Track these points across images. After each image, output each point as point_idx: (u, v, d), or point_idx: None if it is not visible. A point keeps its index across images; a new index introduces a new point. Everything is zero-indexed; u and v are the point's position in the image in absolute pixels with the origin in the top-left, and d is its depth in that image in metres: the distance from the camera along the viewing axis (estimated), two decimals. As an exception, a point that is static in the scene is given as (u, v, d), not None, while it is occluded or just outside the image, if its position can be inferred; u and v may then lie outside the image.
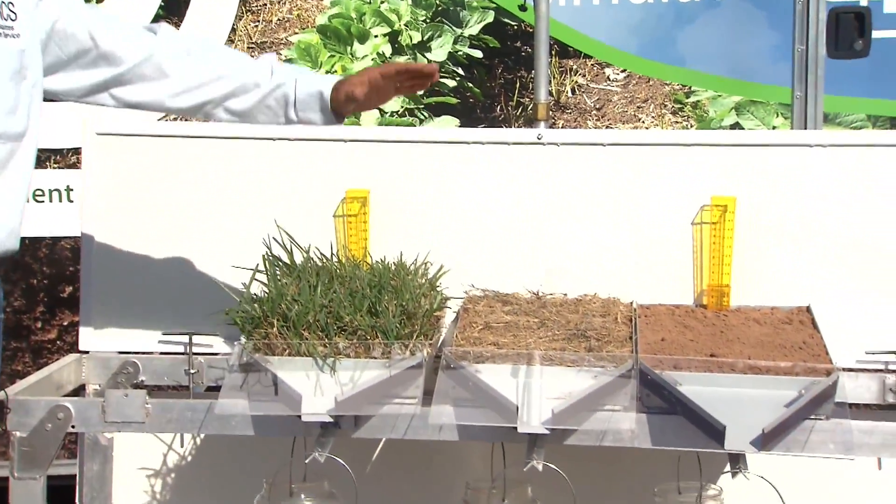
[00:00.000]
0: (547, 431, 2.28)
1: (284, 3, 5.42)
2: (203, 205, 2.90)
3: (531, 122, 3.32)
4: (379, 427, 2.41)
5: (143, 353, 2.89)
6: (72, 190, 4.24)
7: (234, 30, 4.98)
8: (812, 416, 2.27)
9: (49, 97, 2.44)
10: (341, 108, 2.48)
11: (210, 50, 2.54)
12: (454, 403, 2.36)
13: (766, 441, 2.17)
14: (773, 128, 5.06)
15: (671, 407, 2.30)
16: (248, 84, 2.47)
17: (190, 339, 2.79)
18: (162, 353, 2.88)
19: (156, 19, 4.54)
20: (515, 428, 2.27)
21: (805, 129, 3.60)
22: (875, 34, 3.85)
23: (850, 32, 3.80)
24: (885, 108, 4.22)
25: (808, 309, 2.67)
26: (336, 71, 5.56)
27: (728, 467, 2.29)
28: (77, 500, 2.91)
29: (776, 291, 2.76)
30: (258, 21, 5.24)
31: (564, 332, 2.50)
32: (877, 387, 2.68)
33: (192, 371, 2.80)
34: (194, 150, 2.91)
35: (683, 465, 2.61)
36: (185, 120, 5.72)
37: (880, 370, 2.68)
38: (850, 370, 2.68)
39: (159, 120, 3.93)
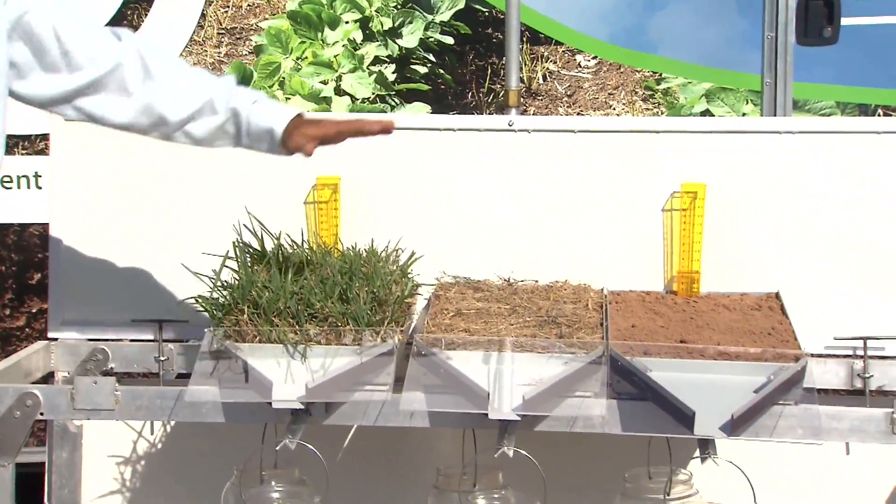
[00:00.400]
0: (518, 418, 2.28)
1: (255, -11, 5.40)
2: (173, 191, 2.89)
3: (502, 108, 3.32)
4: (350, 414, 2.40)
5: (113, 340, 2.88)
6: (40, 176, 4.20)
7: (203, 15, 4.95)
8: (781, 402, 2.28)
9: (13, 96, 2.37)
10: (288, 149, 2.41)
11: (171, 68, 2.45)
12: (425, 390, 2.36)
13: (735, 426, 2.19)
14: (743, 115, 5.08)
15: (641, 393, 2.31)
16: (206, 109, 2.40)
17: (160, 326, 2.78)
18: (131, 341, 2.87)
19: (124, 4, 4.51)
20: (486, 414, 2.28)
21: (775, 115, 3.61)
22: (844, 21, 3.87)
23: (819, 20, 3.82)
24: (854, 95, 4.25)
25: (778, 295, 2.68)
26: (306, 58, 5.54)
27: (698, 453, 2.30)
28: (46, 488, 2.89)
29: (746, 278, 2.78)
30: (228, 6, 5.22)
31: (535, 319, 2.51)
32: (845, 372, 2.70)
33: (162, 358, 2.79)
34: (164, 136, 2.89)
35: (654, 450, 2.62)
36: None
37: (848, 356, 2.70)
38: (819, 356, 2.70)
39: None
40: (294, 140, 2.37)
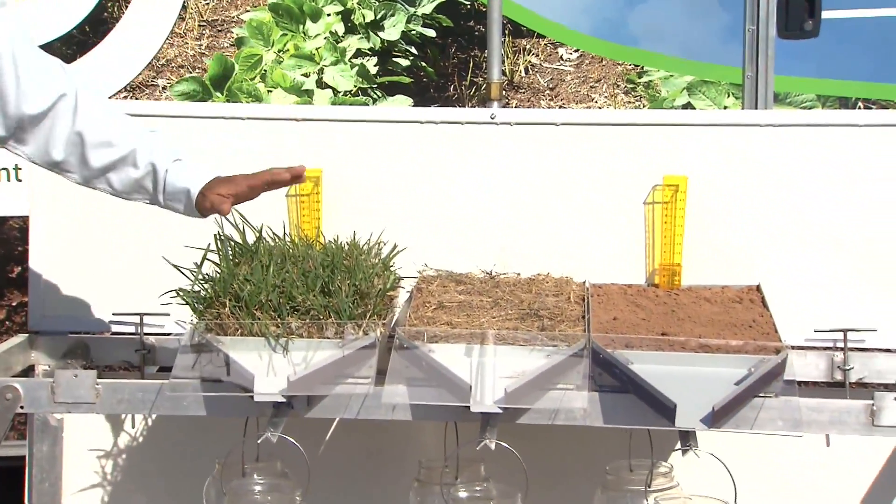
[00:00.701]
0: (500, 410, 2.28)
1: (236, -19, 5.39)
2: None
3: (484, 101, 3.31)
4: (332, 407, 2.40)
5: (94, 333, 2.87)
6: (20, 169, 4.19)
7: (184, 7, 4.94)
8: (761, 394, 2.29)
9: None
10: (204, 211, 2.42)
11: (101, 111, 2.44)
12: (407, 383, 2.36)
13: (716, 419, 2.19)
14: (725, 107, 5.10)
15: (623, 385, 2.31)
16: (128, 159, 2.40)
17: (141, 319, 2.77)
18: (113, 334, 2.86)
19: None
20: (468, 407, 2.28)
21: (756, 108, 3.62)
22: (825, 14, 3.88)
23: (800, 13, 3.83)
24: (834, 88, 4.26)
25: (759, 288, 2.69)
26: (288, 50, 5.52)
27: (679, 445, 2.31)
28: (27, 482, 2.89)
29: (727, 270, 2.78)
30: (209, -2, 5.20)
31: (517, 312, 2.51)
32: (825, 364, 2.71)
33: (143, 351, 2.78)
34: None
35: (635, 443, 2.62)
36: (135, 97, 5.67)
37: (829, 348, 2.72)
38: (799, 348, 2.71)
39: (110, 97, 3.89)
40: (208, 200, 2.38)
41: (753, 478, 2.76)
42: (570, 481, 2.85)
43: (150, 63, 4.55)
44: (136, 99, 5.68)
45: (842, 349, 2.67)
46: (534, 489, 2.42)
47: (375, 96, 5.57)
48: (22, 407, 2.44)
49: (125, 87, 4.42)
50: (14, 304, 4.35)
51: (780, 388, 2.30)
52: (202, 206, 2.40)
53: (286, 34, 5.54)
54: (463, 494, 2.48)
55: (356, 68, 5.53)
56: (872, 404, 2.32)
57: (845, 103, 5.13)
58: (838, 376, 2.70)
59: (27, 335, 2.86)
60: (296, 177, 2.44)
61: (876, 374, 2.70)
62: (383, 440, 2.90)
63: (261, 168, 2.69)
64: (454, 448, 2.55)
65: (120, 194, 2.45)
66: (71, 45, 5.21)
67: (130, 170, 2.41)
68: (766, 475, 2.82)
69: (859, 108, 5.17)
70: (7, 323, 4.37)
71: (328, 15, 5.54)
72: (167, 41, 4.89)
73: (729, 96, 5.12)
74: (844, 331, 2.67)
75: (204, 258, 2.58)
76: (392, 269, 2.68)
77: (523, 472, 2.35)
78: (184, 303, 2.50)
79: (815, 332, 2.71)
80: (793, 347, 2.52)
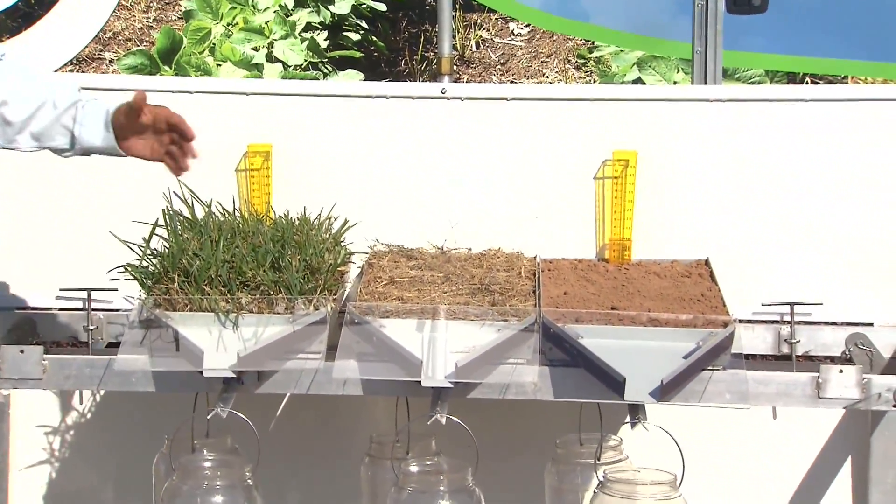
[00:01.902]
0: (451, 385, 2.29)
1: (184, -47, 5.32)
2: (101, 158, 2.84)
3: (435, 76, 3.31)
4: (282, 382, 2.40)
5: (40, 309, 2.84)
6: (-36, 143, 4.12)
7: (132, -21, 4.87)
8: (709, 368, 2.31)
9: None
10: (121, 122, 2.37)
11: (18, 72, 2.42)
12: (358, 358, 2.36)
13: (664, 392, 2.21)
14: (674, 83, 5.12)
15: (573, 360, 2.33)
16: (46, 104, 2.37)
17: (88, 294, 2.75)
18: (60, 310, 2.83)
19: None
20: (419, 382, 2.28)
21: (705, 84, 3.64)
22: (773, -10, 3.90)
23: (749, -12, 3.85)
24: (783, 63, 4.29)
25: (707, 262, 2.72)
26: (237, 24, 5.48)
27: (628, 418, 2.33)
28: (-27, 460, 2.86)
29: (676, 245, 2.80)
30: (157, -30, 5.15)
31: (469, 287, 2.51)
32: (772, 338, 2.74)
33: (90, 327, 2.75)
34: (91, 102, 2.85)
35: (585, 416, 2.64)
36: (81, 70, 5.60)
37: (775, 321, 2.74)
38: (747, 322, 2.74)
39: (56, 70, 3.84)
40: (121, 108, 2.33)
41: (701, 450, 2.80)
42: (520, 455, 2.86)
43: (96, 36, 4.48)
44: (83, 72, 5.61)
45: (788, 323, 2.70)
46: (484, 463, 2.43)
47: (326, 71, 5.54)
48: (-33, 384, 2.42)
49: (71, 61, 4.35)
50: (-41, 279, 4.29)
51: (728, 361, 2.33)
52: (118, 112, 2.35)
53: (235, 7, 5.49)
54: (414, 469, 2.49)
55: (306, 42, 5.49)
56: (818, 377, 2.35)
57: (793, 78, 5.17)
58: (785, 349, 2.73)
59: (-28, 311, 2.83)
60: (189, 139, 2.39)
61: (822, 348, 2.74)
62: (334, 416, 2.90)
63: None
64: (405, 423, 2.55)
65: (39, 138, 2.39)
66: (16, 18, 5.14)
67: (50, 110, 2.37)
68: (713, 448, 2.86)
69: (807, 83, 5.22)
70: (-48, 299, 4.31)
71: (278, -12, 5.49)
72: (114, 14, 4.83)
73: (678, 71, 5.14)
74: (791, 304, 2.69)
75: (152, 233, 2.56)
76: (343, 244, 2.67)
77: (474, 446, 2.36)
78: (132, 278, 2.48)
79: (763, 305, 2.74)
80: (740, 321, 2.55)
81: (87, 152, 2.41)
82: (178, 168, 2.39)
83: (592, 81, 5.75)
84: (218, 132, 2.84)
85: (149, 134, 2.37)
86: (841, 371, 2.34)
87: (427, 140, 2.85)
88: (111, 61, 5.75)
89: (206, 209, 2.64)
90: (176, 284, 2.40)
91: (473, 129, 2.85)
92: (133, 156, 2.40)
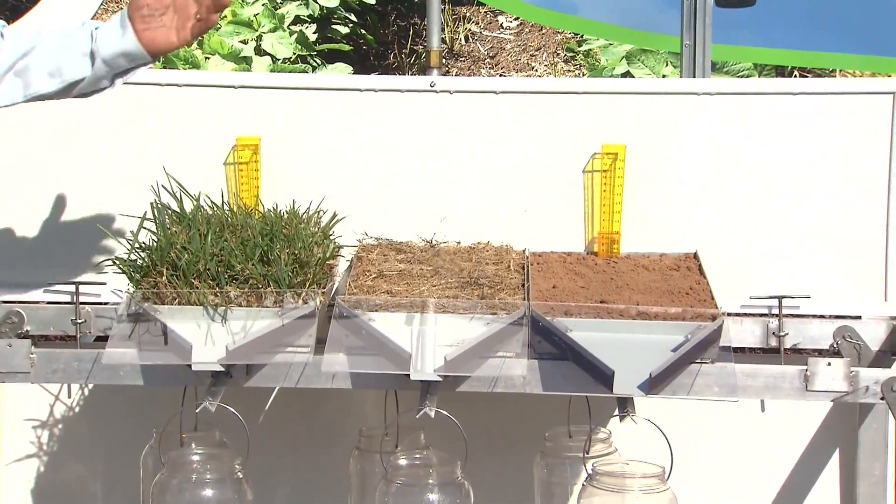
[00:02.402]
0: (440, 378, 2.29)
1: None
2: (90, 151, 2.84)
3: (424, 69, 3.30)
4: (271, 376, 2.40)
5: (28, 302, 2.83)
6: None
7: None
8: (698, 361, 2.32)
9: None
10: (135, 13, 2.23)
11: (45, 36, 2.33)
12: (347, 352, 2.36)
13: (653, 385, 2.22)
14: (663, 76, 5.13)
15: (562, 353, 2.33)
16: (56, 34, 2.28)
17: (76, 288, 2.74)
18: (48, 303, 2.83)
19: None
20: (408, 375, 2.28)
21: (694, 77, 3.64)
22: (762, -16, 3.91)
23: (737, -18, 3.85)
24: (771, 56, 4.30)
25: (696, 255, 2.72)
26: (226, 16, 5.46)
27: (617, 411, 2.33)
28: (-39, 454, 2.86)
29: (665, 238, 2.81)
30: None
31: (457, 280, 2.52)
32: (760, 331, 2.74)
33: (79, 321, 2.75)
34: (79, 95, 2.84)
35: (574, 409, 2.65)
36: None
37: (764, 314, 2.75)
38: (735, 315, 2.74)
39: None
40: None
41: (689, 443, 2.80)
42: (509, 448, 2.87)
43: (84, 28, 4.47)
44: (71, 65, 5.59)
45: (777, 316, 2.70)
46: (473, 457, 2.43)
47: (315, 64, 5.53)
48: (-45, 377, 2.41)
49: (59, 53, 4.34)
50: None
51: (716, 354, 2.33)
52: (134, 16, 2.21)
53: (224, -2, 5.47)
54: (403, 462, 2.49)
55: (295, 35, 5.49)
56: (806, 370, 2.35)
57: (781, 72, 5.18)
58: (773, 342, 2.73)
59: (-40, 305, 2.82)
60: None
61: (810, 341, 2.74)
62: (323, 409, 2.90)
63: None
64: (394, 416, 2.55)
65: (61, 75, 2.28)
66: (3, 10, 5.12)
67: (63, 39, 2.26)
68: (702, 441, 2.86)
69: (795, 76, 5.23)
70: (-61, 293, 4.30)
71: (266, -19, 5.48)
72: (102, 6, 4.82)
73: (667, 65, 5.15)
74: (779, 297, 2.70)
75: (140, 226, 2.56)
76: (332, 237, 2.67)
77: (463, 439, 2.36)
78: (120, 271, 2.48)
79: (751, 298, 2.75)
80: (729, 314, 2.55)
81: (109, 73, 2.28)
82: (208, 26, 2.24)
83: (581, 75, 5.76)
84: (206, 125, 2.84)
85: (169, 15, 2.23)
86: (829, 364, 2.35)
87: (416, 133, 2.85)
88: (99, 54, 5.73)
89: (195, 202, 2.64)
90: (164, 278, 2.40)
91: (462, 123, 2.85)
92: (160, 52, 2.26)
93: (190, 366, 2.31)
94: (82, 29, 2.30)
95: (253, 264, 2.42)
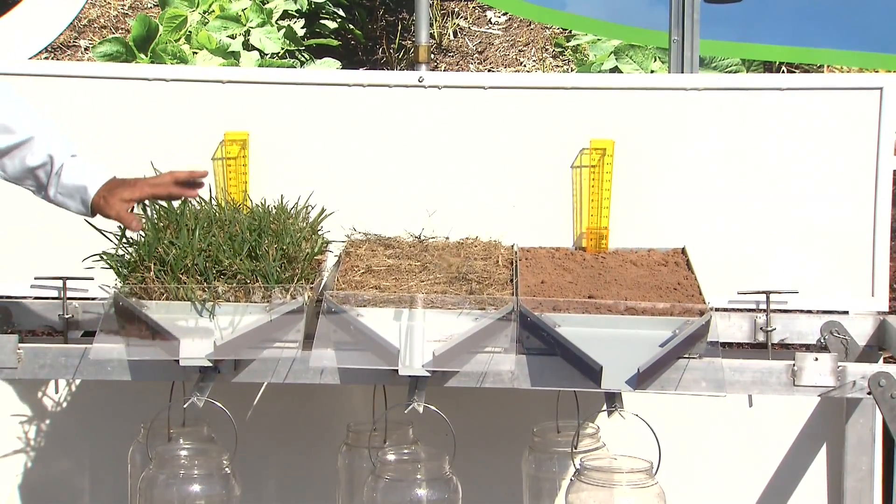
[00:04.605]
0: (428, 374, 2.29)
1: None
2: (78, 145, 2.83)
3: (413, 64, 3.30)
4: (259, 371, 2.39)
5: (15, 297, 2.83)
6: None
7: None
8: (686, 356, 2.32)
9: None
10: (100, 212, 2.39)
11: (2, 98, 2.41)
12: (335, 347, 2.36)
13: (641, 380, 2.22)
14: (651, 72, 5.13)
15: (550, 348, 2.33)
16: (24, 146, 2.37)
17: (64, 283, 2.73)
18: (35, 298, 2.82)
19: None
20: (397, 370, 2.28)
21: (682, 72, 3.64)
22: (749, -20, 3.91)
23: (726, -22, 3.86)
24: (758, 52, 4.30)
25: (684, 251, 2.72)
26: (214, 11, 5.45)
27: (605, 406, 2.33)
28: (-52, 450, 2.85)
29: (653, 233, 2.81)
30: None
31: (446, 276, 2.51)
32: (748, 326, 2.75)
33: (66, 316, 2.74)
34: (67, 89, 2.83)
35: (562, 405, 2.65)
36: (56, 58, 5.56)
37: (751, 310, 2.76)
38: (723, 310, 2.75)
39: (30, 58, 3.82)
40: (113, 208, 2.34)
41: (677, 438, 2.81)
42: (497, 443, 2.87)
43: (71, 23, 4.46)
44: (58, 60, 5.58)
45: (764, 311, 2.71)
46: (462, 452, 2.43)
47: (303, 59, 5.52)
48: (-58, 373, 2.41)
49: (46, 48, 4.33)
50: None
51: (704, 349, 2.34)
52: (101, 208, 2.36)
53: (211, -7, 5.46)
54: (391, 457, 2.49)
55: (283, 30, 5.47)
56: (793, 365, 2.36)
57: (769, 67, 5.19)
58: (761, 338, 2.74)
59: (-53, 300, 2.81)
60: (197, 178, 2.41)
61: (797, 336, 2.75)
62: (311, 404, 2.90)
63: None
64: (382, 411, 2.55)
65: (9, 179, 2.41)
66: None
67: (27, 157, 2.37)
68: (689, 435, 2.87)
69: (783, 71, 5.24)
70: (-74, 288, 4.28)
71: (254, -25, 5.47)
72: (89, 1, 4.80)
73: (655, 60, 5.15)
74: (767, 293, 2.71)
75: (128, 222, 2.54)
76: (320, 232, 2.67)
77: (451, 434, 2.36)
78: (108, 267, 2.47)
79: (739, 294, 2.75)
80: (717, 309, 2.56)
81: (42, 188, 2.41)
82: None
83: (570, 70, 5.76)
84: (194, 120, 2.83)
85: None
86: (816, 359, 2.35)
87: (404, 128, 2.85)
88: (86, 49, 5.71)
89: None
90: (152, 273, 2.39)
91: (450, 118, 2.85)
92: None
93: (178, 361, 2.30)
94: (67, 142, 2.39)
95: (241, 259, 2.42)
